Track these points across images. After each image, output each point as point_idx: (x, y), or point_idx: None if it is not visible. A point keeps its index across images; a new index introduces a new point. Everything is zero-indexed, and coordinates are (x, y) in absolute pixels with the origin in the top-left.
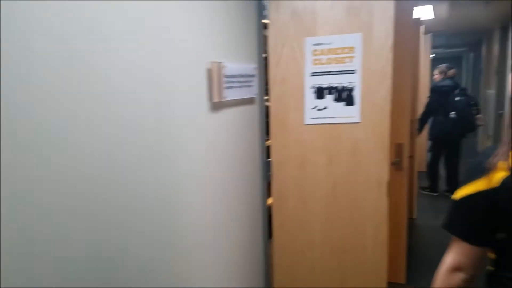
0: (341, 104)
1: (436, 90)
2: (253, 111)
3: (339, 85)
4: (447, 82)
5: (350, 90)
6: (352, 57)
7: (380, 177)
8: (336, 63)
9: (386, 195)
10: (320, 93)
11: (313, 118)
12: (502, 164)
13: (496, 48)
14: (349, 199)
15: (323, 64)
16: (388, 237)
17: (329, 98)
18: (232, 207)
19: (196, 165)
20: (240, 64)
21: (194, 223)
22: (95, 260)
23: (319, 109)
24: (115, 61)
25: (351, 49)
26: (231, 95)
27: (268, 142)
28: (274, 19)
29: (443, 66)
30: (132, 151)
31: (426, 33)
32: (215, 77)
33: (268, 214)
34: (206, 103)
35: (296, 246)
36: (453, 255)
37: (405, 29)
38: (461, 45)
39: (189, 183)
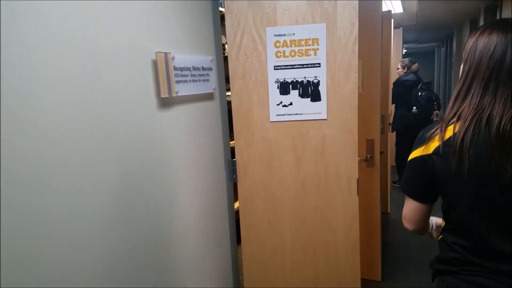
0: (307, 100)
1: (399, 84)
2: (213, 108)
3: (304, 80)
4: (411, 77)
5: (316, 84)
6: (316, 49)
7: (350, 175)
8: (300, 56)
9: (356, 192)
10: (284, 88)
11: (279, 115)
12: (438, 136)
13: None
14: (319, 198)
15: (286, 57)
16: (360, 235)
17: (294, 94)
18: (194, 212)
19: (144, 168)
20: (194, 55)
21: (146, 232)
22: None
23: (284, 105)
24: (35, 61)
25: (315, 40)
26: (183, 90)
27: (233, 142)
28: (230, 5)
29: (406, 60)
30: (67, 155)
31: (396, 27)
32: (162, 70)
33: (236, 218)
34: (153, 99)
35: (266, 249)
36: (405, 209)
37: (373, 21)
38: (433, 40)
39: (136, 187)
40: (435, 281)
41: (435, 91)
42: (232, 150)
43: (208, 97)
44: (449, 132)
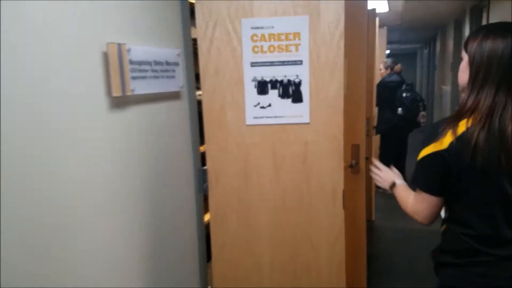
0: (288, 101)
1: (383, 86)
2: (180, 108)
3: (285, 78)
4: (394, 78)
5: (297, 84)
6: (298, 44)
7: (335, 186)
8: (280, 52)
9: (342, 206)
10: (262, 87)
11: (256, 117)
12: (450, 131)
13: (450, 43)
14: (300, 212)
15: (264, 52)
16: (346, 256)
17: (273, 94)
18: (154, 227)
19: (93, 178)
20: (156, 48)
21: (93, 253)
22: None
23: (262, 107)
24: None
25: (297, 35)
26: (142, 87)
27: (203, 147)
28: None
29: (388, 60)
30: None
31: (380, 26)
32: (114, 64)
33: (206, 233)
34: (103, 98)
35: (240, 270)
36: (420, 206)
37: (359, 18)
38: (415, 41)
39: (81, 202)
40: (440, 275)
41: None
42: (203, 156)
43: (174, 96)
44: (461, 127)
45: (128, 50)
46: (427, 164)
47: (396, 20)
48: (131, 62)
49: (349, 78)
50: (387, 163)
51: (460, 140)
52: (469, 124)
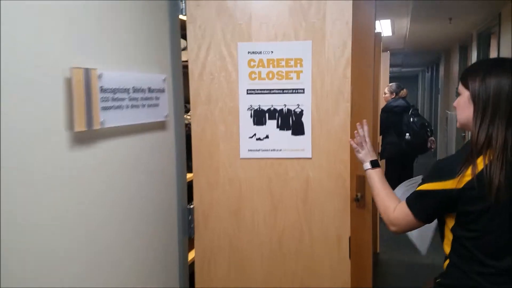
0: (287, 132)
1: (388, 111)
2: (165, 140)
3: (284, 108)
4: (400, 102)
5: (298, 114)
6: (299, 71)
7: (340, 231)
8: (280, 79)
9: (348, 255)
10: (259, 117)
11: (251, 150)
12: (470, 170)
13: (456, 68)
14: (300, 260)
15: (262, 79)
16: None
17: (271, 125)
18: (129, 277)
19: (53, 229)
20: (137, 73)
21: None
22: None
23: (258, 139)
24: None
25: (298, 61)
26: (115, 119)
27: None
28: (194, 13)
29: (393, 85)
30: None
31: (383, 50)
32: (79, 92)
33: (190, 281)
34: (62, 134)
35: None
36: (402, 222)
37: (366, 42)
38: (418, 65)
39: (39, 257)
40: None
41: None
42: (191, 192)
43: (157, 126)
44: (480, 165)
45: (100, 76)
46: (430, 197)
47: (399, 44)
48: (103, 90)
49: (355, 105)
50: (395, 187)
51: (479, 178)
52: (487, 162)
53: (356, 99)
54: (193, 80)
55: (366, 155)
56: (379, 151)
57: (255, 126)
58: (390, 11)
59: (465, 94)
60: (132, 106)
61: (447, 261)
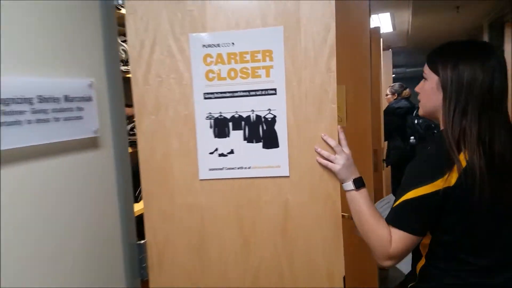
0: (257, 145)
1: (390, 112)
2: (98, 162)
3: (252, 115)
4: (403, 103)
5: (270, 122)
6: (269, 67)
7: (331, 268)
8: (245, 78)
9: None
10: (221, 127)
11: (213, 169)
12: (455, 167)
13: None
14: None
15: (222, 79)
16: None
17: (236, 136)
18: None
19: None
20: (46, 77)
21: None
22: None
23: (221, 155)
24: None
25: (268, 53)
26: (9, 139)
27: (139, 210)
28: (133, 1)
29: (396, 85)
30: None
31: (385, 49)
32: None
33: None
34: None
35: None
36: (401, 247)
37: (360, 37)
38: (423, 63)
39: None
40: None
41: None
42: (141, 224)
43: (85, 145)
44: (463, 162)
45: None
46: (419, 205)
47: (401, 41)
48: None
49: (351, 107)
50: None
51: (466, 175)
52: (467, 157)
53: (352, 102)
54: (137, 84)
55: (346, 171)
56: (384, 157)
57: (216, 138)
58: (389, 3)
59: (433, 79)
60: (38, 121)
61: (421, 263)
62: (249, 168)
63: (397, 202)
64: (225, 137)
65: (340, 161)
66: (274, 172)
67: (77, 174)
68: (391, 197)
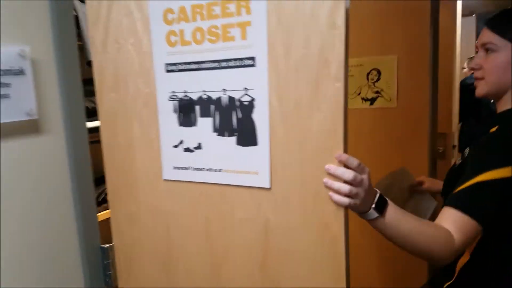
0: (230, 140)
1: (462, 89)
2: (43, 150)
3: (224, 96)
4: None
5: (247, 107)
6: (245, 24)
7: None
8: (214, 41)
9: None
10: (187, 112)
11: (178, 168)
12: None
13: None
14: None
15: (187, 43)
16: None
17: (205, 126)
18: None
19: None
20: None
21: None
22: None
23: (187, 149)
24: None
25: (244, 4)
26: None
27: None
28: None
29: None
30: None
31: (467, 14)
32: None
33: None
34: None
35: None
36: (461, 236)
37: None
38: None
39: None
40: None
41: None
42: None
43: (19, 130)
44: None
45: None
46: (495, 190)
47: (488, 5)
48: None
49: (404, 83)
50: None
51: None
52: None
53: (405, 77)
54: (96, 52)
55: (367, 201)
56: (456, 142)
57: (181, 127)
58: None
59: (508, 49)
60: None
61: (464, 260)
62: (219, 171)
63: (467, 184)
64: (191, 126)
65: (361, 194)
66: (250, 181)
67: (7, 166)
68: (403, 170)
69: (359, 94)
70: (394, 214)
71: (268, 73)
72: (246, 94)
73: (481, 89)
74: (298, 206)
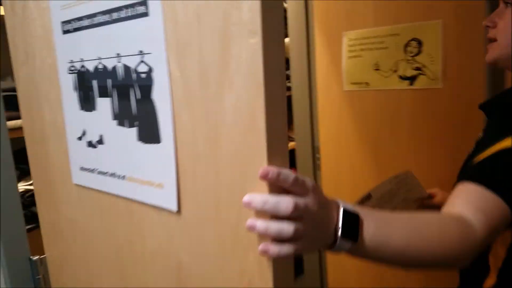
0: (130, 133)
1: None
2: None
3: (119, 65)
4: None
5: (145, 82)
6: None
7: None
8: None
9: None
10: (85, 90)
11: (84, 169)
12: None
13: None
14: None
15: None
16: None
17: (104, 109)
18: None
19: None
20: None
21: None
22: None
23: (90, 144)
24: None
25: None
26: None
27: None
28: None
29: None
30: None
31: None
32: None
33: None
34: None
35: None
36: (481, 219)
37: None
38: None
39: None
40: None
41: None
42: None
43: None
44: None
45: None
46: None
47: None
48: None
49: (453, 57)
50: None
51: None
52: None
53: (452, 54)
54: (7, 15)
55: (322, 231)
56: None
57: (82, 112)
58: None
59: None
60: None
61: (490, 282)
62: (123, 178)
63: (486, 153)
64: (91, 109)
65: (309, 227)
66: (156, 197)
67: None
68: (409, 175)
69: (395, 71)
70: (377, 231)
71: (164, 24)
72: (143, 62)
73: (490, 53)
74: (214, 244)
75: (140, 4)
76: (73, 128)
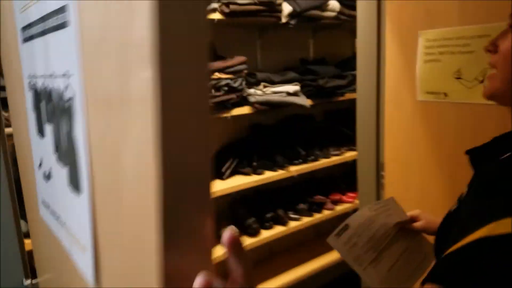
0: (63, 176)
1: None
2: None
3: (53, 87)
4: None
5: (69, 112)
6: None
7: None
8: None
9: None
10: (38, 111)
11: (44, 202)
12: None
13: None
14: None
15: None
16: None
17: (49, 138)
18: None
19: None
20: None
21: None
22: None
23: (45, 176)
24: None
25: None
26: None
27: None
28: None
29: None
30: None
31: None
32: None
33: None
34: None
35: None
36: None
37: None
38: None
39: None
40: None
41: None
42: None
43: None
44: None
45: None
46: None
47: None
48: None
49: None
50: None
51: None
52: None
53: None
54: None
55: None
56: None
57: (38, 137)
58: None
59: None
60: None
61: None
62: (64, 225)
63: (462, 242)
64: (43, 135)
65: None
66: (81, 262)
67: None
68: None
69: (482, 81)
70: None
71: (80, 37)
72: (69, 85)
73: (488, 88)
74: None
75: (61, 11)
76: (35, 153)
